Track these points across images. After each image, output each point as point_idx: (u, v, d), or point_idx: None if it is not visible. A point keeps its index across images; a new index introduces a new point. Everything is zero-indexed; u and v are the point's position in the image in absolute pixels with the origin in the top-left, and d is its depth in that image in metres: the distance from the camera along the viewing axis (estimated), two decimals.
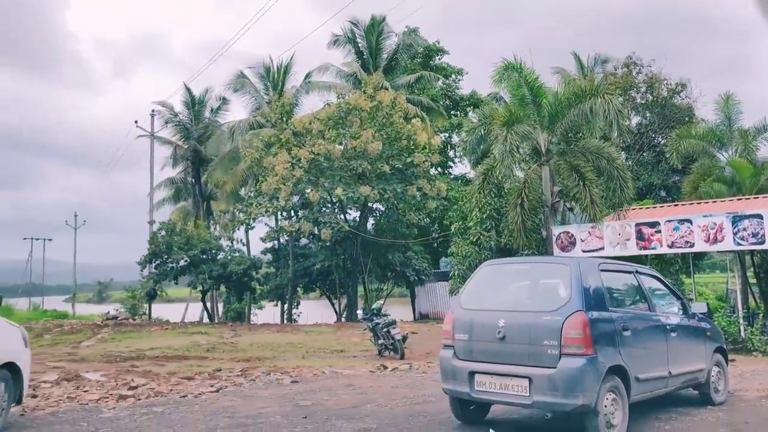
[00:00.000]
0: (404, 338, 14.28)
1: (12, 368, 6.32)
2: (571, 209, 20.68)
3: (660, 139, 30.09)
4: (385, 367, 12.01)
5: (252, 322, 28.79)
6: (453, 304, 6.88)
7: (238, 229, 28.70)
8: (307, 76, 32.36)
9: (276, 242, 29.86)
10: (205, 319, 30.05)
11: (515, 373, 5.70)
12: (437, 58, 38.79)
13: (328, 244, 25.83)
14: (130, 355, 14.08)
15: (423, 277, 28.61)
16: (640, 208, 20.77)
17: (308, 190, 24.45)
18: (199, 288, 26.79)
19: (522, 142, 18.60)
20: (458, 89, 38.71)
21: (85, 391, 8.98)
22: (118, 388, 9.23)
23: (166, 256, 25.63)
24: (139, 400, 8.27)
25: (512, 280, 6.92)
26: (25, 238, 60.88)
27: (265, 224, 29.10)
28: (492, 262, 7.36)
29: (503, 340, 5.80)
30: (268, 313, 32.28)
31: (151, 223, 31.14)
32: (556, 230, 19.17)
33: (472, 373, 6.00)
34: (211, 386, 9.43)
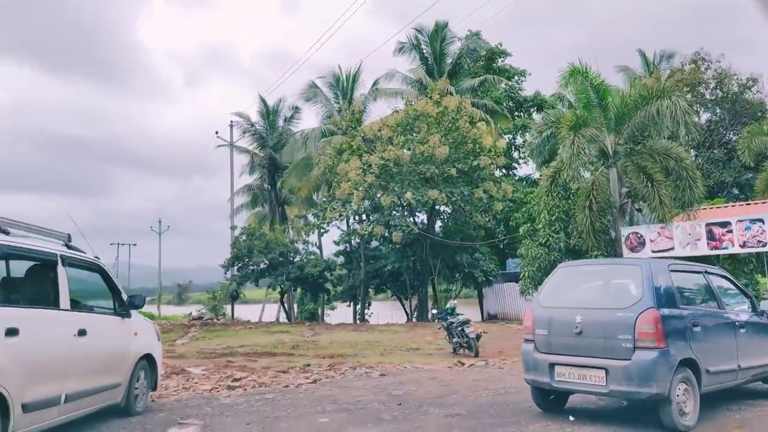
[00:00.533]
0: (478, 336, 14.88)
1: (149, 359, 7.40)
2: (639, 210, 20.79)
3: (731, 136, 29.61)
4: (462, 363, 12.69)
5: (325, 322, 29.97)
6: (532, 303, 7.53)
7: (313, 233, 29.97)
8: (375, 83, 33.45)
9: (348, 245, 30.96)
10: (281, 319, 31.45)
11: (592, 364, 6.31)
12: (500, 60, 39.15)
13: (398, 246, 26.68)
14: (223, 351, 15.27)
15: (491, 278, 29.09)
16: (711, 208, 20.71)
17: (379, 195, 25.37)
18: (278, 289, 28.21)
19: (588, 144, 18.92)
20: (521, 90, 38.95)
21: (195, 383, 10.07)
22: (223, 380, 10.29)
23: (247, 259, 27.17)
24: (247, 390, 9.27)
25: (587, 280, 7.52)
26: (111, 244, 64.31)
27: (337, 227, 30.30)
28: (567, 264, 7.98)
29: (580, 334, 6.41)
30: (339, 313, 33.44)
31: (233, 228, 32.83)
32: (625, 231, 19.36)
33: (552, 365, 6.63)
34: (306, 378, 10.38)
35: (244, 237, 27.82)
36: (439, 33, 33.54)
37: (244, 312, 34.76)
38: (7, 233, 5.24)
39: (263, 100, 35.42)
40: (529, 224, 22.20)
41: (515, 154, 36.90)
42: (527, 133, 37.16)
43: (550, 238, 20.39)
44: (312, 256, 28.79)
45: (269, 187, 35.11)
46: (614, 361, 6.15)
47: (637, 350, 6.05)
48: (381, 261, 28.94)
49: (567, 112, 20.92)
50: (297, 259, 27.95)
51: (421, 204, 25.71)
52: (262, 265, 26.87)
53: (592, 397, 7.36)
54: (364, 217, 28.08)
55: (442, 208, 28.16)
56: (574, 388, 6.58)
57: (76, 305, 6.09)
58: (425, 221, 28.36)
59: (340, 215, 26.25)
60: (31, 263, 5.68)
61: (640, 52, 34.22)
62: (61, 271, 5.79)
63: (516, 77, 39.12)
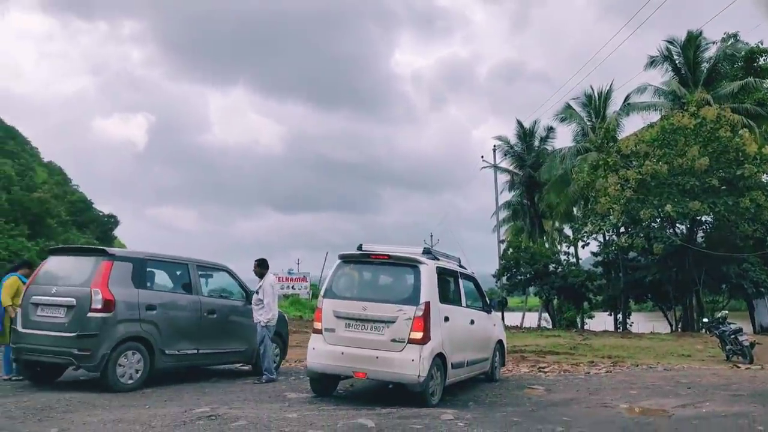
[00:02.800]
0: (752, 345, 15.84)
1: (500, 343, 10.63)
2: None
3: None
4: (738, 367, 14.07)
5: (586, 329, 31.69)
6: None
7: (573, 246, 32.00)
8: (626, 99, 34.48)
9: (606, 256, 32.34)
10: (542, 325, 33.85)
11: None
12: (761, 59, 37.25)
13: (658, 257, 27.51)
14: (513, 349, 18.19)
15: (762, 289, 28.31)
16: None
17: (638, 208, 26.48)
18: (544, 297, 30.85)
19: None
20: None
21: (512, 368, 13.10)
22: (532, 368, 13.20)
23: (514, 270, 30.31)
24: (556, 374, 12.07)
25: None
26: None
27: (594, 239, 31.88)
28: None
29: None
30: (597, 322, 34.83)
31: (502, 242, 36.19)
32: None
33: None
34: (599, 370, 12.86)
35: (510, 250, 31.01)
36: (693, 42, 33.41)
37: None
38: (438, 259, 8.71)
39: (520, 124, 38.68)
40: None
41: None
42: None
43: None
44: (573, 267, 30.87)
45: (528, 202, 38.04)
46: None
47: None
48: (641, 271, 29.83)
49: None
50: (559, 269, 30.28)
51: (681, 215, 26.27)
52: (528, 275, 29.75)
53: None
54: (622, 229, 29.32)
55: (704, 218, 28.23)
56: None
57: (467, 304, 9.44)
58: (684, 231, 28.67)
59: (600, 229, 27.91)
60: (447, 277, 9.08)
61: None
62: (460, 282, 9.18)
63: None
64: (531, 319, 38.19)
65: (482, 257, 32.36)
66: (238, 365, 11.00)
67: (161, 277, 9.42)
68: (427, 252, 8.58)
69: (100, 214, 78.36)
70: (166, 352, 8.85)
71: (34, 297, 8.57)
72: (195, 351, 9.33)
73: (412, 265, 8.09)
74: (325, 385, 8.52)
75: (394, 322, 7.73)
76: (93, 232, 71.76)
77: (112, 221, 79.16)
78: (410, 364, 7.57)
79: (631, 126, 33.59)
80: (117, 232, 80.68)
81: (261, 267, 10.08)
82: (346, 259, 8.51)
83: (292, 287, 38.07)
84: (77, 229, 68.50)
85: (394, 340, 7.69)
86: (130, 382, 8.44)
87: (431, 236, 55.22)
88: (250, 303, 10.04)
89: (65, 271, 8.79)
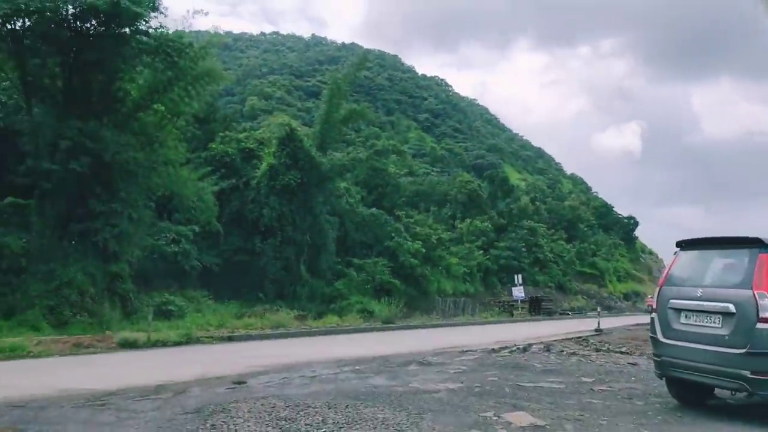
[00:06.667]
0: None
1: None
2: None
3: None
4: None
5: None
6: None
7: None
8: None
9: None
10: None
11: None
12: None
13: None
14: None
15: None
16: None
17: None
18: None
19: None
20: None
21: None
22: None
23: None
24: None
25: None
26: None
27: None
28: None
29: None
30: None
31: None
32: None
33: None
34: None
35: None
36: None
37: None
38: None
39: None
40: None
41: None
42: None
43: None
44: None
45: None
46: None
47: None
48: None
49: None
50: None
51: None
52: None
53: None
54: None
55: None
56: None
57: None
58: None
59: None
60: None
61: None
62: None
63: None
64: None
65: None
66: None
67: None
68: None
69: (620, 216, 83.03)
70: None
71: (671, 301, 7.13)
72: None
73: None
74: None
75: None
76: (617, 233, 76.92)
77: (632, 222, 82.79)
78: None
79: None
80: (636, 232, 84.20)
81: None
82: None
83: None
84: (603, 231, 74.51)
85: None
86: None
87: None
88: None
89: (705, 269, 7.22)
